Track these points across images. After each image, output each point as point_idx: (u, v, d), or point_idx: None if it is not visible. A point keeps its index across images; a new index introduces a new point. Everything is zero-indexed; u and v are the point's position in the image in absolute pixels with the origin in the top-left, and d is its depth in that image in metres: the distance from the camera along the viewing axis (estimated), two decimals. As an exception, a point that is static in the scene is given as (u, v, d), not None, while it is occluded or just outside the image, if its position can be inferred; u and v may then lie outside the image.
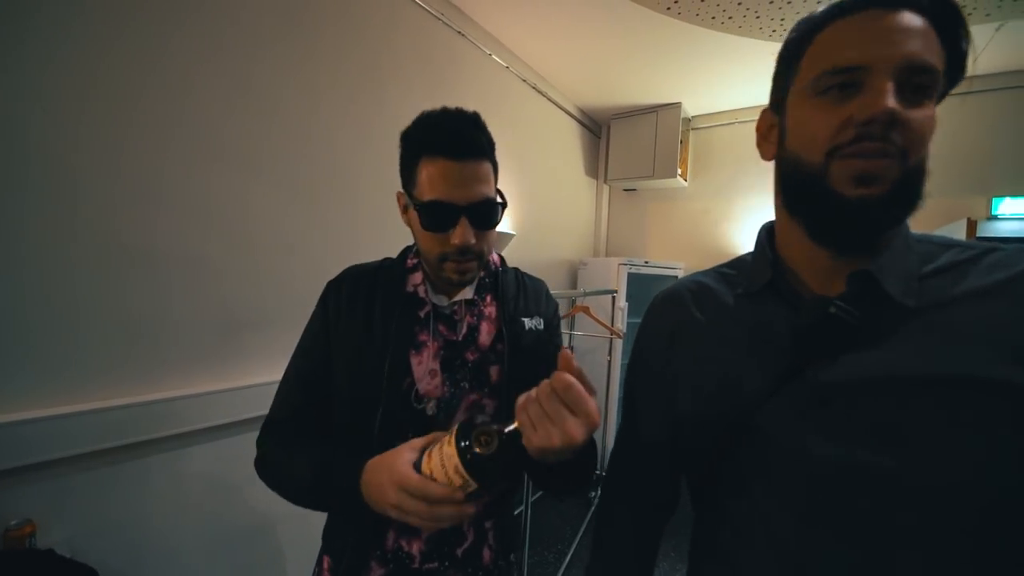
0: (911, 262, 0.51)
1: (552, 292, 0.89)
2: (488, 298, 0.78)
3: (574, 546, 2.39)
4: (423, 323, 0.73)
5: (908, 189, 0.46)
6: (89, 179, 1.05)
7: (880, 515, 0.46)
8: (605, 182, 3.60)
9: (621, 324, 2.86)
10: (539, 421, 0.50)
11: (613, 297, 2.87)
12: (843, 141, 0.46)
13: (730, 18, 2.08)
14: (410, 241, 0.81)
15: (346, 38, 1.61)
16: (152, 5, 1.12)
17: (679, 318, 0.64)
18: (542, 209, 2.91)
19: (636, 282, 3.06)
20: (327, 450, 0.67)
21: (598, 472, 2.73)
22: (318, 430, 0.73)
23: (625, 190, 3.65)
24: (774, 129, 0.56)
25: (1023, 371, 0.43)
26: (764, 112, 0.58)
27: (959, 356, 0.45)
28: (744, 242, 3.14)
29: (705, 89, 2.90)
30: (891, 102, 0.43)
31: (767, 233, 0.61)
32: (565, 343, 3.07)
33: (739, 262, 0.65)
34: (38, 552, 0.96)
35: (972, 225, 2.21)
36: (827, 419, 0.49)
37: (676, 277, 3.19)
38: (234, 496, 1.34)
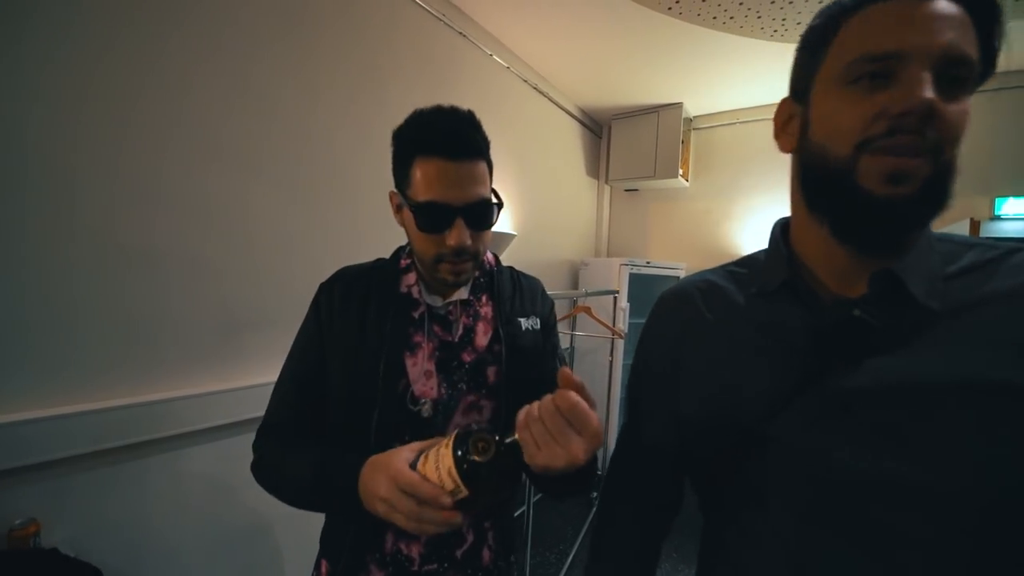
0: (935, 262, 0.48)
1: (554, 292, 0.89)
2: (484, 298, 0.77)
3: (576, 546, 2.38)
4: (417, 324, 0.72)
5: (939, 188, 0.43)
6: (88, 179, 1.05)
7: (902, 525, 0.44)
8: (606, 182, 3.60)
9: (623, 324, 2.85)
10: (543, 440, 0.50)
11: (615, 297, 2.86)
12: (874, 134, 0.43)
13: (731, 18, 2.08)
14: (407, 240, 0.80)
15: (346, 38, 1.61)
16: (151, 5, 1.13)
17: (687, 317, 0.62)
18: (543, 210, 2.92)
19: (638, 282, 3.06)
20: (326, 450, 0.66)
21: (599, 472, 2.74)
22: (314, 432, 0.72)
23: (626, 190, 3.65)
24: (794, 120, 0.53)
25: None
26: (783, 102, 0.55)
27: (988, 361, 0.43)
28: (746, 242, 3.14)
29: (706, 89, 2.90)
30: (929, 94, 0.40)
31: (781, 230, 0.58)
32: (566, 344, 3.07)
33: (750, 260, 0.63)
34: (42, 551, 0.96)
35: (975, 225, 2.20)
36: (848, 426, 0.46)
37: (678, 278, 3.18)
38: (235, 496, 1.35)
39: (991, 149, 2.42)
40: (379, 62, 1.74)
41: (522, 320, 0.78)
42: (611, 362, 2.89)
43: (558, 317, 0.92)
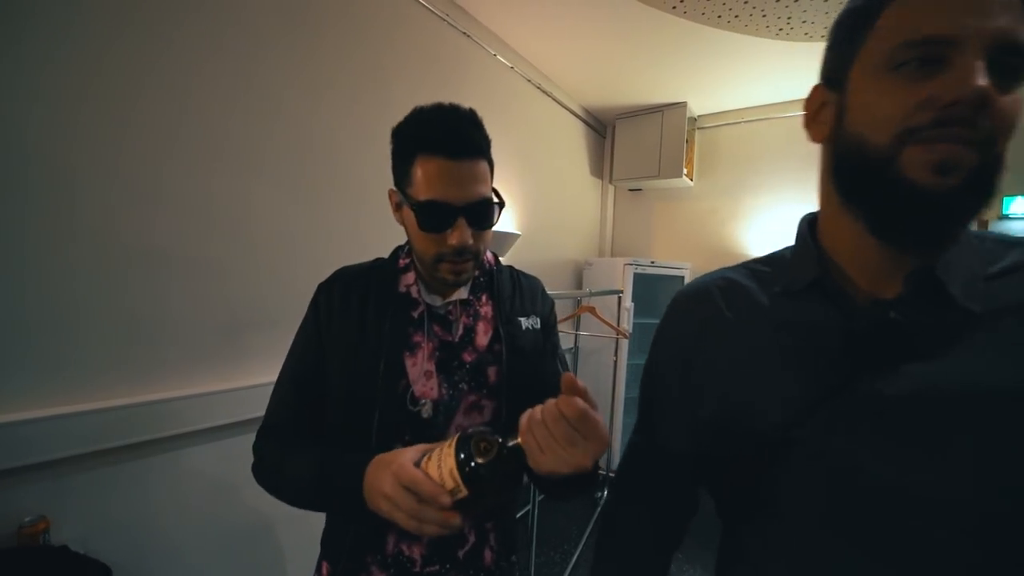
0: (975, 261, 0.46)
1: (558, 292, 0.89)
2: (484, 298, 0.77)
3: (580, 546, 2.38)
4: (417, 324, 0.72)
5: (986, 181, 0.41)
6: (90, 179, 1.05)
7: (933, 542, 0.42)
8: (610, 182, 3.59)
9: (627, 324, 2.85)
10: (548, 446, 0.49)
11: (619, 297, 2.86)
12: (920, 123, 0.40)
13: (736, 17, 2.07)
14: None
15: (349, 38, 1.62)
16: (151, 4, 1.13)
17: (706, 316, 0.58)
18: (547, 209, 2.92)
19: (642, 282, 3.06)
20: (328, 450, 0.66)
21: (604, 472, 2.73)
22: (313, 433, 0.72)
23: (630, 190, 3.64)
24: (827, 108, 0.49)
25: None
26: (815, 89, 0.51)
27: None
28: (752, 242, 3.12)
29: (711, 88, 2.89)
30: (983, 81, 0.37)
31: (809, 226, 0.55)
32: (570, 344, 3.07)
33: (774, 258, 0.59)
34: (52, 548, 0.97)
35: (983, 225, 2.19)
36: (882, 434, 0.44)
37: (683, 278, 3.18)
38: (240, 495, 1.36)
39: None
40: (383, 62, 1.75)
41: (522, 320, 0.78)
42: (615, 362, 2.89)
43: (562, 317, 0.92)
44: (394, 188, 0.72)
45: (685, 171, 3.12)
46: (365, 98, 1.68)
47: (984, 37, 0.38)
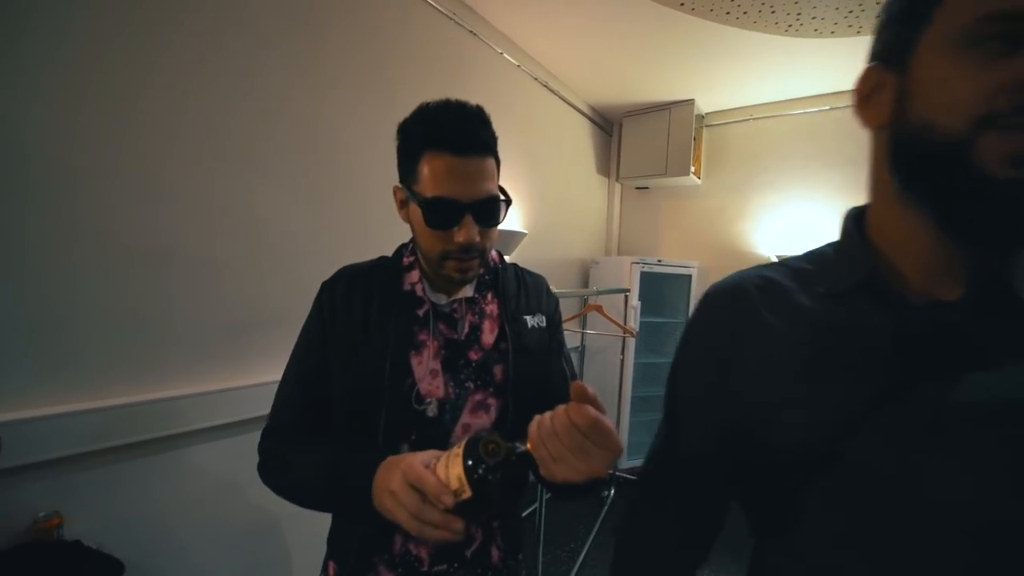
0: None
1: (564, 291, 0.89)
2: (489, 296, 0.77)
3: (587, 545, 2.38)
4: (422, 322, 0.71)
5: None
6: (95, 180, 1.06)
7: (1007, 568, 0.38)
8: (617, 180, 3.58)
9: (634, 323, 2.84)
10: (561, 457, 0.49)
11: (626, 296, 2.85)
12: (1002, 108, 0.35)
13: (745, 13, 2.05)
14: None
15: (355, 36, 1.62)
16: (153, 3, 1.13)
17: (743, 317, 0.53)
18: (553, 208, 2.91)
19: (649, 281, 3.04)
20: (336, 451, 0.66)
21: (611, 471, 2.73)
22: (318, 432, 0.72)
23: (637, 188, 3.63)
24: (884, 90, 0.44)
25: None
26: (868, 71, 0.46)
27: None
28: (761, 240, 3.10)
29: (719, 86, 2.87)
30: None
31: (855, 220, 0.51)
32: (577, 342, 3.06)
33: (816, 256, 0.55)
34: (66, 543, 0.99)
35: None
36: (942, 449, 0.40)
37: (691, 276, 3.16)
38: (249, 493, 1.37)
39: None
40: (388, 61, 1.75)
41: (528, 318, 0.77)
42: (622, 361, 2.88)
43: (569, 316, 0.91)
44: (399, 185, 0.71)
45: (692, 169, 3.10)
46: (369, 98, 1.68)
47: None
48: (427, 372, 0.70)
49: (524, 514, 2.39)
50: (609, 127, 3.58)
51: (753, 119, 3.16)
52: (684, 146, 3.08)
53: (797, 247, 2.91)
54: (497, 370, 0.73)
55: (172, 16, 1.16)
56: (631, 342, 2.89)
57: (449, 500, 0.51)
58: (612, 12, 2.12)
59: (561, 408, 0.50)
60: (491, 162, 0.67)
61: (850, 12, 1.96)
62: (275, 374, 0.74)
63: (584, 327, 3.02)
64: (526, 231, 2.41)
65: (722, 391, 0.54)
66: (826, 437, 0.44)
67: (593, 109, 3.31)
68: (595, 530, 2.53)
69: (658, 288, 3.25)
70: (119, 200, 1.10)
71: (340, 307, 0.72)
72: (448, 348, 0.72)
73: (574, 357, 0.75)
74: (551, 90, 2.77)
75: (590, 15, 2.16)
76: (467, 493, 0.51)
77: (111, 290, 1.10)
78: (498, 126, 0.70)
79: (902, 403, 0.42)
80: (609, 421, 0.49)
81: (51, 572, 0.93)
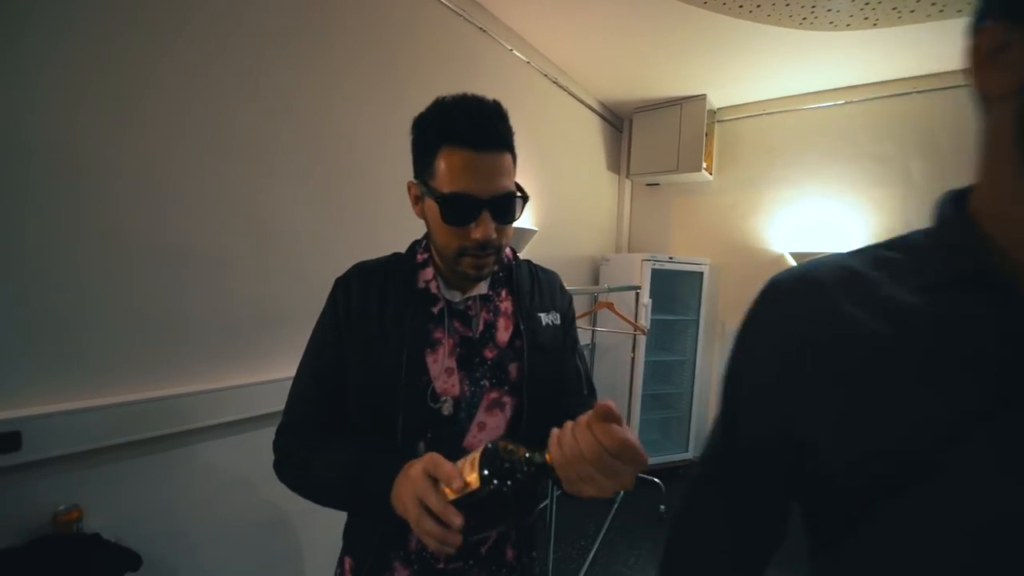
0: None
1: (575, 288, 0.88)
2: (503, 293, 0.76)
3: (597, 543, 2.38)
4: (437, 320, 0.71)
5: None
6: (112, 181, 1.08)
7: None
8: (627, 177, 3.56)
9: (645, 320, 2.83)
10: (591, 478, 0.49)
11: (636, 293, 2.83)
12: None
13: (758, 6, 2.02)
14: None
15: (364, 34, 1.62)
16: (159, 1, 1.13)
17: (816, 310, 0.48)
18: (564, 205, 2.90)
19: (660, 278, 3.02)
20: (357, 451, 0.66)
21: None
22: (335, 430, 0.72)
23: (648, 185, 3.60)
24: (1013, 51, 0.39)
25: None
26: (989, 29, 0.40)
27: None
28: (774, 236, 3.06)
29: (732, 80, 2.83)
30: None
31: (954, 205, 0.46)
32: (588, 340, 3.05)
33: (903, 243, 0.48)
34: (86, 536, 1.01)
35: None
36: None
37: (703, 274, 3.14)
38: (265, 488, 1.38)
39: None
40: (396, 59, 1.75)
41: (542, 315, 0.77)
42: (633, 358, 2.87)
43: (580, 313, 0.91)
44: (414, 180, 0.70)
45: (704, 165, 3.07)
46: (378, 96, 1.68)
47: None
48: (442, 370, 0.69)
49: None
50: (619, 123, 3.56)
51: (766, 114, 3.11)
52: (696, 142, 3.04)
53: (811, 243, 2.87)
54: (512, 368, 0.72)
55: (177, 14, 1.16)
56: (642, 340, 2.88)
57: (458, 484, 0.51)
58: (622, 6, 2.10)
59: (583, 423, 0.49)
60: (508, 158, 0.66)
61: (866, 4, 1.93)
62: (286, 371, 0.74)
63: (594, 325, 3.00)
64: (536, 228, 2.40)
65: (789, 392, 0.48)
66: (925, 447, 0.39)
67: (603, 105, 3.29)
68: (605, 528, 2.53)
69: (669, 285, 3.23)
70: (135, 199, 1.12)
71: (355, 303, 0.72)
72: (463, 346, 0.71)
73: (585, 355, 0.75)
74: (561, 86, 2.76)
75: (600, 10, 2.14)
76: (474, 486, 0.51)
77: (129, 289, 1.12)
78: (506, 123, 0.70)
79: (1017, 411, 0.37)
80: (634, 437, 0.48)
81: (71, 564, 0.95)
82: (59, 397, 1.02)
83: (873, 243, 0.49)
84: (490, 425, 0.71)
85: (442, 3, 1.91)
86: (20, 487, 0.97)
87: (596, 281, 3.31)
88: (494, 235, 0.64)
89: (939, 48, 2.30)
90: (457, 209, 0.63)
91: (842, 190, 2.84)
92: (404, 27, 1.77)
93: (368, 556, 0.71)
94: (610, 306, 2.55)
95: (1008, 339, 0.38)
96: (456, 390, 0.69)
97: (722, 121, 3.29)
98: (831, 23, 2.10)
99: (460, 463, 0.54)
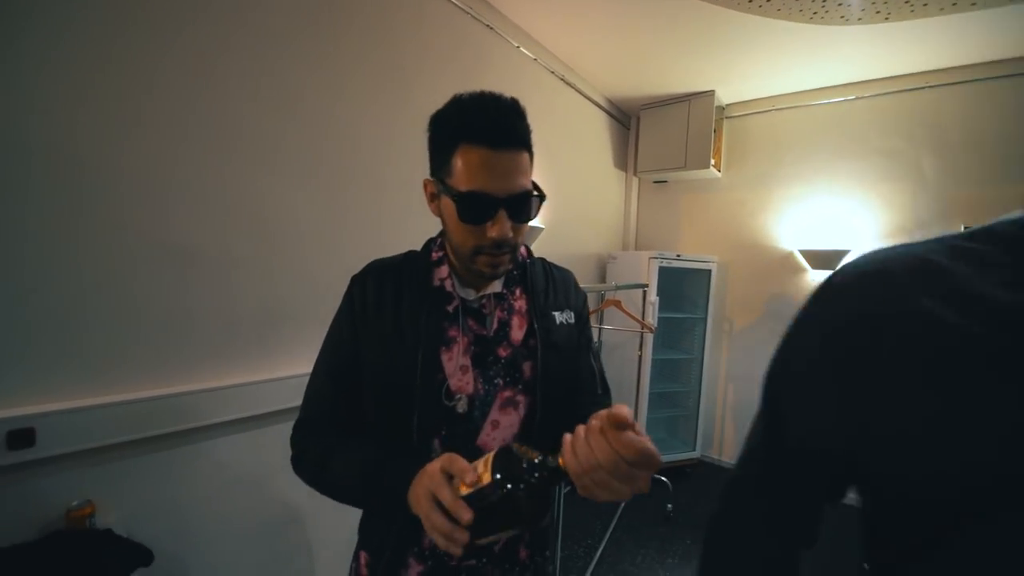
0: None
1: (583, 286, 0.87)
2: (518, 291, 0.76)
3: (604, 542, 2.38)
4: (452, 318, 0.71)
5: None
6: (127, 182, 1.09)
7: None
8: (635, 174, 3.54)
9: (652, 318, 2.81)
10: (607, 485, 0.49)
11: (644, 291, 2.82)
12: None
13: (768, 0, 2.00)
14: (431, 234, 0.79)
15: (370, 34, 1.62)
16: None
17: (892, 306, 0.43)
18: (570, 203, 2.89)
19: (667, 276, 3.01)
20: (374, 450, 0.66)
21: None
22: (351, 427, 0.72)
23: (655, 182, 3.58)
24: None
25: None
26: None
27: None
28: (784, 233, 3.03)
29: (740, 76, 2.81)
30: None
31: None
32: (595, 338, 3.03)
33: (987, 233, 0.43)
34: (98, 532, 1.02)
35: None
36: None
37: (711, 271, 3.12)
38: (274, 484, 1.39)
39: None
40: (403, 57, 1.75)
41: (556, 314, 0.77)
42: (640, 356, 2.85)
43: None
44: (430, 177, 0.70)
45: (712, 162, 3.04)
46: (384, 95, 1.68)
47: None
48: (457, 368, 0.69)
49: (541, 509, 2.39)
50: (626, 120, 3.54)
51: (775, 110, 3.08)
52: (704, 138, 3.02)
53: (821, 241, 2.84)
54: (526, 367, 0.72)
55: (180, 13, 1.16)
56: (649, 338, 2.86)
57: (471, 478, 0.51)
58: (630, 2, 2.08)
59: (596, 430, 0.49)
60: (526, 156, 0.66)
61: (879, -3, 1.90)
62: (294, 369, 0.74)
63: (601, 323, 2.99)
64: (543, 226, 2.39)
65: (851, 392, 0.44)
66: (998, 463, 0.36)
67: (610, 102, 3.27)
68: (612, 527, 2.52)
69: (677, 283, 3.21)
70: (132, 199, 1.12)
71: (371, 301, 0.72)
72: (477, 344, 0.71)
73: (600, 353, 0.75)
74: (568, 83, 2.75)
75: (607, 5, 2.12)
76: (486, 480, 0.51)
77: (139, 288, 1.12)
78: (513, 120, 0.69)
79: None
80: (650, 443, 0.48)
81: (84, 559, 0.96)
82: (71, 394, 1.02)
83: (948, 233, 0.45)
84: (504, 423, 0.71)
85: (449, 1, 1.90)
86: (34, 483, 0.98)
87: (603, 279, 3.30)
88: (510, 234, 0.64)
89: (949, 42, 2.27)
90: (473, 207, 0.63)
91: (852, 186, 2.81)
92: (410, 25, 1.77)
93: (383, 551, 0.71)
94: (617, 304, 2.54)
95: None
96: (470, 388, 0.70)
97: (731, 117, 3.26)
98: (842, 17, 2.07)
99: (474, 464, 0.54)
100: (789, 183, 3.04)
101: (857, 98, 2.79)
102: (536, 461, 0.51)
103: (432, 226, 0.75)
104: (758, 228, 3.16)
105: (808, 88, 2.92)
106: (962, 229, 0.46)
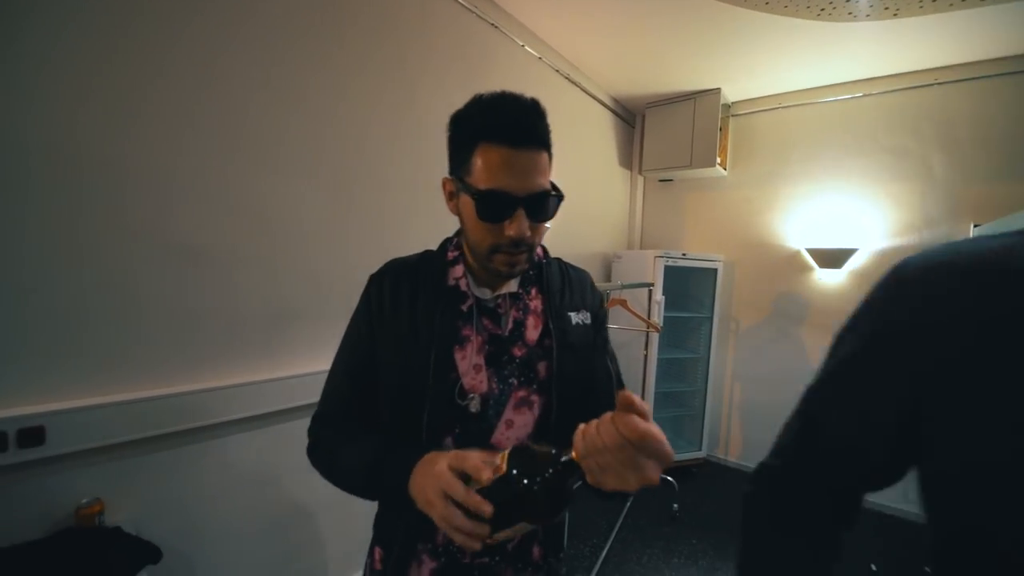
0: None
1: (590, 285, 0.86)
2: (533, 291, 0.76)
3: (610, 540, 2.37)
4: (466, 317, 0.71)
5: None
6: (144, 182, 1.10)
7: None
8: (640, 173, 3.52)
9: (658, 318, 2.80)
10: (613, 470, 0.48)
11: (649, 290, 2.81)
12: None
13: (775, -3, 1.98)
14: (435, 234, 0.80)
15: (374, 31, 1.62)
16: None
17: (960, 305, 0.41)
18: (575, 201, 2.88)
19: (673, 275, 2.99)
20: (379, 443, 0.67)
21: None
22: (367, 422, 0.73)
23: (661, 180, 3.56)
24: None
25: None
26: None
27: None
28: (791, 232, 3.01)
29: (746, 74, 2.79)
30: None
31: None
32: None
33: None
34: (107, 529, 1.03)
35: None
36: None
37: (716, 271, 3.10)
38: (283, 481, 1.39)
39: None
40: (408, 55, 1.75)
41: (572, 314, 0.76)
42: (646, 356, 2.84)
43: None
44: (449, 176, 0.70)
45: (718, 160, 3.03)
46: (388, 95, 1.68)
47: None
48: (471, 367, 0.69)
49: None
50: (632, 118, 3.52)
51: (782, 107, 3.06)
52: (710, 137, 3.00)
53: (828, 239, 2.82)
54: (541, 367, 0.72)
55: (184, 10, 1.16)
56: (655, 337, 2.85)
57: (487, 475, 0.51)
58: (635, 0, 2.07)
59: (607, 417, 0.49)
60: (545, 156, 0.66)
61: (887, -7, 1.88)
62: (299, 368, 0.74)
63: (606, 322, 2.99)
64: (548, 225, 2.38)
65: (917, 397, 0.42)
66: None
67: (615, 100, 3.26)
68: (618, 526, 2.52)
69: (683, 282, 3.20)
70: (172, 200, 1.14)
71: (388, 300, 0.73)
72: (492, 343, 0.71)
73: (616, 354, 0.75)
74: (572, 82, 2.74)
75: (612, 3, 2.11)
76: (501, 471, 0.51)
77: (145, 287, 1.13)
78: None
79: None
80: (659, 430, 0.48)
81: (94, 557, 0.96)
82: (80, 393, 1.03)
83: (1008, 231, 0.43)
84: (518, 423, 0.71)
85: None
86: (43, 481, 0.99)
87: (608, 278, 3.29)
88: (528, 233, 0.64)
89: (957, 39, 2.25)
90: (492, 206, 0.63)
91: (859, 184, 2.78)
92: (415, 24, 1.77)
93: (395, 546, 0.72)
94: (623, 303, 2.53)
95: None
96: (484, 387, 0.70)
97: (737, 115, 3.24)
98: (850, 14, 2.05)
99: (488, 460, 0.54)
100: (796, 181, 3.02)
101: (865, 95, 2.77)
102: (550, 456, 0.51)
103: (437, 225, 0.75)
104: (764, 227, 3.14)
105: (815, 85, 2.90)
106: (972, 227, 0.45)
